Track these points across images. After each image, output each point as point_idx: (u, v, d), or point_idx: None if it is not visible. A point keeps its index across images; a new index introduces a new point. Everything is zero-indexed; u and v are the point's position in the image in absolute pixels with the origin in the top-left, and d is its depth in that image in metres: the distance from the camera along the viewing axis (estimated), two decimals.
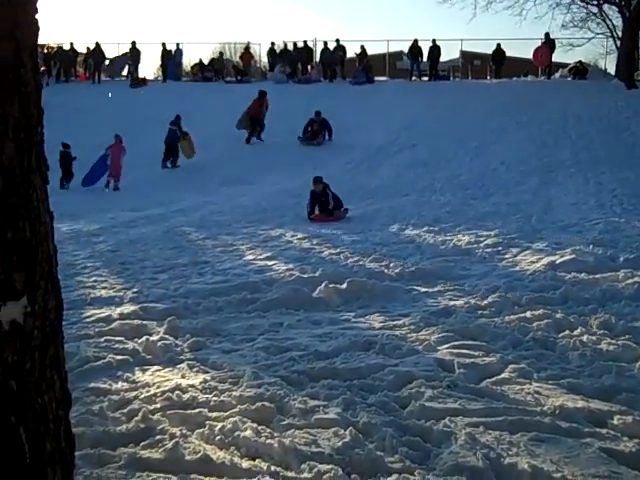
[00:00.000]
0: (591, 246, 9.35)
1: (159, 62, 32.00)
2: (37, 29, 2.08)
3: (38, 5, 2.08)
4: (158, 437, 3.95)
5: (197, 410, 4.36)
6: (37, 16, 2.07)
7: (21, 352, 1.96)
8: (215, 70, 31.52)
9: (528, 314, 6.40)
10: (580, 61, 29.14)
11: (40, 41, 2.23)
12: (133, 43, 30.72)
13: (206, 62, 32.50)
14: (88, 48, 31.04)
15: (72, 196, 16.52)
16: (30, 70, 2.02)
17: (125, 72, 31.11)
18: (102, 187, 19.34)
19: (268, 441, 3.89)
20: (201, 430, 4.06)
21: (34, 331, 2.01)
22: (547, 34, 28.65)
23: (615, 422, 4.09)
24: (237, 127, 22.98)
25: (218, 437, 3.97)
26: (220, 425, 4.10)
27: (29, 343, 1.99)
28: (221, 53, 34.18)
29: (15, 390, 1.93)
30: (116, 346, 5.77)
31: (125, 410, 4.38)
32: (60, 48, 31.21)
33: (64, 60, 30.81)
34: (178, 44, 31.79)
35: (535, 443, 3.84)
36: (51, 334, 2.11)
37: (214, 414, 4.31)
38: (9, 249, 1.90)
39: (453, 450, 3.77)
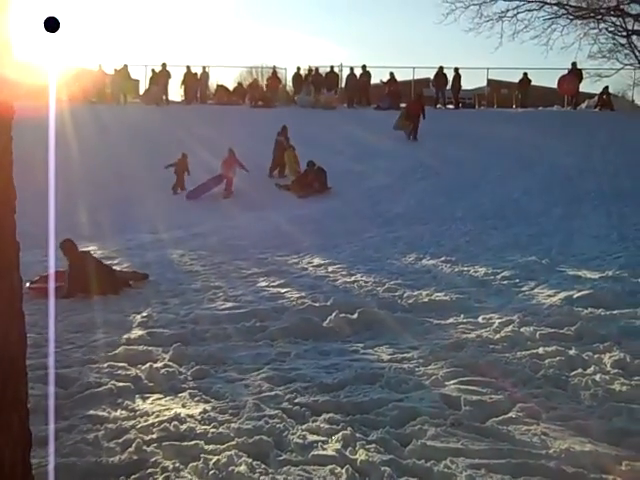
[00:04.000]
0: (610, 281, 9.17)
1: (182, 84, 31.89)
2: None
3: None
4: (150, 470, 3.88)
5: (193, 442, 4.28)
6: None
7: None
8: (240, 95, 31.74)
9: (541, 350, 6.27)
10: (607, 87, 28.84)
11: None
12: (163, 65, 30.91)
13: (231, 86, 32.84)
14: (115, 69, 31.27)
15: (91, 215, 16.52)
16: None
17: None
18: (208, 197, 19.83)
19: (262, 477, 3.82)
20: (195, 464, 3.98)
21: None
22: (574, 63, 28.47)
23: (623, 468, 3.96)
24: (394, 128, 24.30)
25: (212, 472, 3.90)
26: (215, 459, 4.02)
27: None
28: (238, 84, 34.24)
29: None
30: (119, 372, 5.72)
31: (120, 440, 4.31)
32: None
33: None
34: (204, 67, 31.96)
35: None
36: (11, 371, 2.02)
37: (210, 447, 4.23)
38: None
39: None
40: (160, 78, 30.85)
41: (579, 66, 28.69)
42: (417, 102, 25.05)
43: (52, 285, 8.46)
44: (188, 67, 31.22)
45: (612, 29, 28.38)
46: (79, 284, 9.07)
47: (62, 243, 9.19)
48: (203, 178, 20.08)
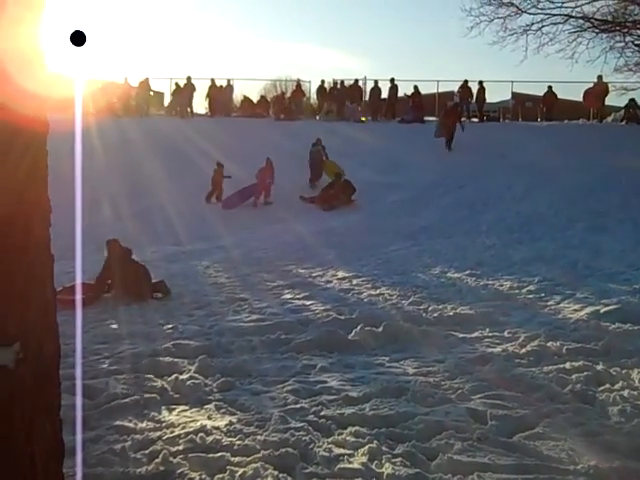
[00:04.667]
0: (638, 295, 9.08)
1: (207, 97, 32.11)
2: None
3: None
4: None
5: (219, 454, 4.29)
6: None
7: (11, 399, 1.89)
8: (264, 107, 31.95)
9: (568, 365, 6.22)
10: (633, 99, 28.65)
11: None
12: (188, 78, 31.17)
13: (255, 99, 33.10)
14: (140, 82, 31.58)
15: (116, 227, 16.62)
16: None
17: None
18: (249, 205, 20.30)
19: None
20: (221, 475, 3.99)
21: (26, 378, 1.94)
22: (600, 77, 28.33)
23: None
24: (435, 135, 24.97)
25: None
26: (241, 471, 4.03)
27: (20, 390, 1.92)
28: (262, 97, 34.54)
29: (2, 439, 1.86)
30: (145, 383, 5.76)
31: (147, 451, 4.33)
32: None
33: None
34: (229, 80, 32.19)
35: None
36: (45, 381, 2.04)
37: (236, 459, 4.23)
38: (4, 290, 1.84)
39: None
40: (184, 91, 31.07)
41: (605, 79, 28.54)
42: (452, 112, 25.32)
43: (79, 296, 8.53)
44: (213, 80, 31.46)
45: (638, 42, 28.24)
46: (109, 276, 9.62)
47: (108, 241, 10.01)
48: (228, 190, 20.22)
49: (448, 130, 24.47)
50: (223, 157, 21.78)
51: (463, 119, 28.57)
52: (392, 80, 30.58)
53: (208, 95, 31.54)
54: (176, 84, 31.51)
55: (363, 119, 29.81)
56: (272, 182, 20.55)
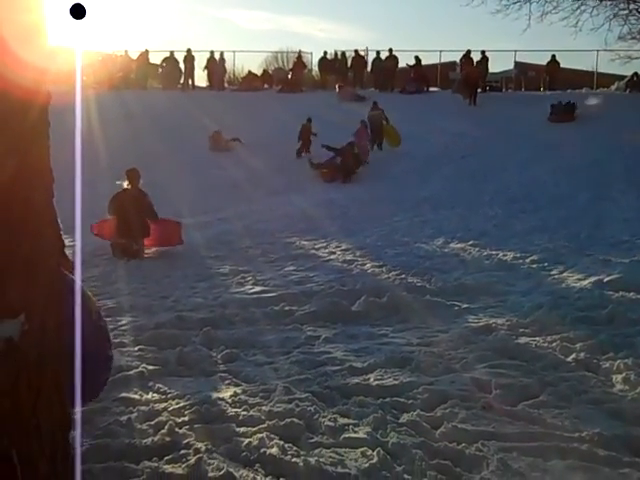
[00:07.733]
0: None
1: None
2: None
3: None
4: (183, 452, 3.89)
5: (225, 424, 4.30)
6: None
7: (16, 371, 1.89)
8: (265, 80, 31.94)
9: (571, 334, 6.20)
10: (636, 72, 28.58)
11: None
12: (188, 50, 31.06)
13: (256, 70, 33.24)
14: (141, 54, 31.56)
15: None
16: None
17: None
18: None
19: (293, 460, 3.82)
20: (227, 445, 3.99)
21: (31, 350, 1.93)
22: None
23: None
24: (452, 91, 27.33)
25: (243, 454, 3.90)
26: (246, 441, 4.03)
27: (25, 362, 1.92)
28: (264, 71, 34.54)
29: (8, 410, 1.86)
30: (149, 355, 5.76)
31: (152, 422, 4.33)
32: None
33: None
34: (222, 52, 32.03)
35: (571, 471, 3.69)
36: (50, 353, 2.03)
37: (241, 429, 4.24)
38: (6, 263, 1.83)
39: (484, 476, 3.66)
40: (186, 63, 31.03)
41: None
42: (476, 69, 27.28)
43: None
44: (212, 52, 31.40)
45: None
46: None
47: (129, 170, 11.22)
48: (226, 164, 20.20)
49: (471, 86, 26.15)
50: (225, 129, 21.76)
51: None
52: (390, 50, 30.34)
53: (206, 67, 31.49)
54: (171, 53, 31.45)
55: None
56: (368, 144, 21.37)
